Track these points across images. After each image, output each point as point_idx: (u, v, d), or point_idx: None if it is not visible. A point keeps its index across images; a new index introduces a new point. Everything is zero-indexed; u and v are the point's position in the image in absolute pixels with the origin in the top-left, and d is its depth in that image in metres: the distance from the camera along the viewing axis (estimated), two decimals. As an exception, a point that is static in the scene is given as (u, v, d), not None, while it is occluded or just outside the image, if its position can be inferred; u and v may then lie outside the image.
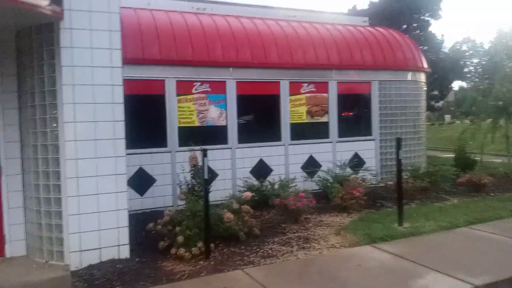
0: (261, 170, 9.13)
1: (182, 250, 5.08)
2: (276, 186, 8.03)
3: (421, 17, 17.36)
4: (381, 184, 9.47)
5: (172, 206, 7.99)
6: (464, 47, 57.97)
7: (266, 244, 5.60)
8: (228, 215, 5.33)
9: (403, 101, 10.64)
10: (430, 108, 18.85)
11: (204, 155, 5.08)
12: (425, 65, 11.19)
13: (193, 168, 6.09)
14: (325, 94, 9.89)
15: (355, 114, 10.55)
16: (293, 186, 8.08)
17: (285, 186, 7.88)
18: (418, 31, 17.37)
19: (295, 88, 9.57)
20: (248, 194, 5.88)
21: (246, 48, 9.01)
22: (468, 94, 12.62)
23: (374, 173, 9.62)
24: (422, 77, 11.21)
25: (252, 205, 7.43)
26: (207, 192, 5.16)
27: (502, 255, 5.08)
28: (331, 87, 9.89)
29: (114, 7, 5.31)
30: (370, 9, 17.40)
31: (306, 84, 9.69)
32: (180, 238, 5.19)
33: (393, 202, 8.17)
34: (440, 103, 18.98)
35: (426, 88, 11.51)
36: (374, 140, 10.39)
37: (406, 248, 5.35)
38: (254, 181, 8.50)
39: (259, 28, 9.46)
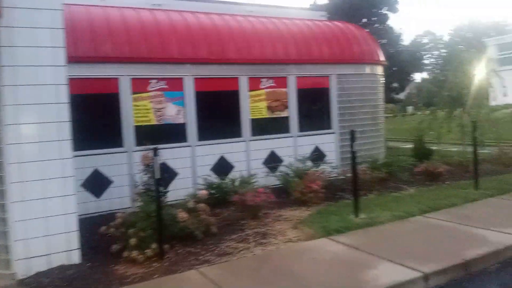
0: (222, 167, 9.07)
1: (135, 253, 4.96)
2: (236, 183, 7.98)
3: (380, 11, 17.69)
4: (342, 177, 9.56)
5: (130, 207, 7.81)
6: (425, 40, 59.76)
7: (223, 242, 5.55)
8: (182, 215, 5.24)
9: (361, 94, 10.79)
10: (390, 100, 19.30)
11: (155, 154, 4.97)
12: (382, 58, 11.39)
13: (146, 168, 5.94)
14: (284, 89, 9.90)
15: (315, 108, 10.61)
16: (254, 182, 8.06)
17: (245, 182, 7.85)
18: (377, 25, 17.69)
19: (254, 84, 9.54)
20: (204, 192, 5.80)
21: (203, 44, 8.89)
22: (425, 86, 12.91)
23: (334, 165, 9.72)
24: (379, 70, 11.41)
25: (212, 203, 7.41)
26: (159, 192, 5.05)
27: (452, 241, 5.23)
28: (290, 81, 9.91)
29: (57, 4, 5.12)
30: (330, 3, 17.58)
31: (265, 79, 9.68)
32: (132, 240, 5.07)
33: (352, 194, 8.28)
34: (401, 95, 19.40)
35: (383, 81, 11.72)
36: (334, 133, 10.50)
37: (361, 239, 5.42)
38: (215, 179, 8.42)
39: (216, 24, 9.36)
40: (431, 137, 12.50)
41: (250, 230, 6.00)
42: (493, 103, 29.96)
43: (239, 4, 10.81)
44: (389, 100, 19.24)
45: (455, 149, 12.80)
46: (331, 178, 9.10)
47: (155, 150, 4.97)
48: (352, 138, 6.33)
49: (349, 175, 8.97)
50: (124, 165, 8.11)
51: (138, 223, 5.27)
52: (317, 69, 10.22)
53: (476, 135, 7.73)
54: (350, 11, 16.67)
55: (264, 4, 11.10)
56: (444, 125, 11.89)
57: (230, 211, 6.96)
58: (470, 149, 12.47)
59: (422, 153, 11.20)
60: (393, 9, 17.33)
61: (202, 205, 5.59)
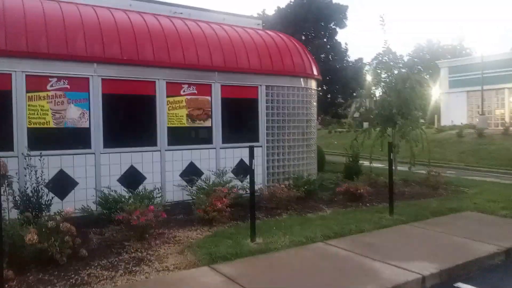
0: (132, 178, 8.32)
1: (-32, 280, 4.15)
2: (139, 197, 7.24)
3: (329, 25, 17.48)
4: (263, 193, 9.03)
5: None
6: (385, 58, 61.09)
7: (88, 268, 4.81)
8: (31, 237, 4.47)
9: (291, 107, 10.35)
10: (336, 115, 19.11)
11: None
12: (316, 72, 11.01)
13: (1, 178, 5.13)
14: (208, 97, 9.29)
15: (241, 119, 10.07)
16: (156, 198, 7.37)
17: (146, 197, 7.11)
18: (324, 39, 17.47)
19: (174, 89, 8.88)
20: (69, 210, 5.04)
21: (115, 42, 8.16)
22: (362, 104, 12.74)
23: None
24: (312, 84, 11.02)
25: (104, 219, 6.68)
26: (-1, 208, 4.24)
27: (340, 276, 4.71)
28: (214, 90, 9.32)
29: None
30: (276, 14, 17.23)
31: (186, 86, 9.04)
32: (-29, 265, 4.26)
33: (266, 212, 7.77)
34: (348, 111, 19.29)
35: (316, 95, 11.34)
36: (260, 146, 9.97)
37: (244, 269, 4.83)
38: (117, 192, 7.62)
39: (133, 22, 8.64)
40: (366, 154, 12.30)
41: (127, 255, 5.29)
42: (443, 124, 30.53)
43: (166, 4, 10.13)
44: (334, 115, 19.04)
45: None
46: (246, 195, 8.55)
47: (-3, 159, 4.19)
48: (251, 155, 5.79)
49: (266, 193, 8.52)
50: (12, 171, 7.17)
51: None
52: (244, 78, 9.69)
53: (392, 157, 7.37)
54: (295, 23, 16.37)
55: (195, 7, 10.50)
56: (376, 143, 11.67)
57: (117, 231, 6.20)
58: (401, 168, 12.42)
59: (351, 171, 10.87)
60: (341, 24, 17.14)
61: (66, 225, 4.83)
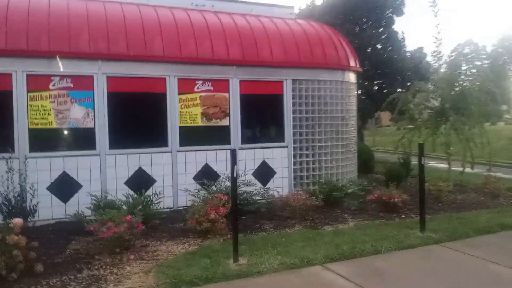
0: (140, 180, 7.83)
1: None
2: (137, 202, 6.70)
3: (384, 14, 15.91)
4: (280, 200, 8.07)
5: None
6: (466, 50, 56.27)
7: (34, 286, 4.27)
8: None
9: (323, 103, 9.26)
10: (396, 110, 17.41)
11: None
12: (354, 63, 9.79)
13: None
14: (225, 94, 8.55)
15: (263, 117, 9.21)
16: (154, 203, 6.77)
17: (141, 202, 6.54)
18: (380, 29, 15.93)
19: (186, 86, 8.25)
20: (18, 221, 4.54)
21: (120, 37, 7.68)
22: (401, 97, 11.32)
23: (257, 187, 8.19)
24: (350, 77, 9.82)
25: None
26: None
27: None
28: (232, 85, 8.55)
29: None
30: (324, 4, 16.01)
31: (201, 82, 8.36)
32: None
33: (277, 223, 6.85)
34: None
35: (355, 90, 10.11)
36: (286, 147, 9.02)
37: (205, 300, 4.01)
38: (122, 195, 7.17)
39: (143, 16, 8.12)
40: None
41: (88, 272, 4.69)
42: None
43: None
44: (393, 110, 17.34)
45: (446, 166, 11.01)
46: (262, 201, 7.69)
47: None
48: (233, 160, 4.93)
49: (277, 198, 7.60)
50: (15, 174, 6.94)
51: None
52: (267, 72, 8.80)
53: (422, 162, 6.06)
54: (346, 12, 15.07)
55: (218, -4, 9.73)
56: (428, 140, 10.21)
57: (90, 242, 5.64)
58: (457, 168, 10.75)
59: (394, 174, 9.51)
60: (398, 12, 15.42)
61: (14, 238, 4.33)
